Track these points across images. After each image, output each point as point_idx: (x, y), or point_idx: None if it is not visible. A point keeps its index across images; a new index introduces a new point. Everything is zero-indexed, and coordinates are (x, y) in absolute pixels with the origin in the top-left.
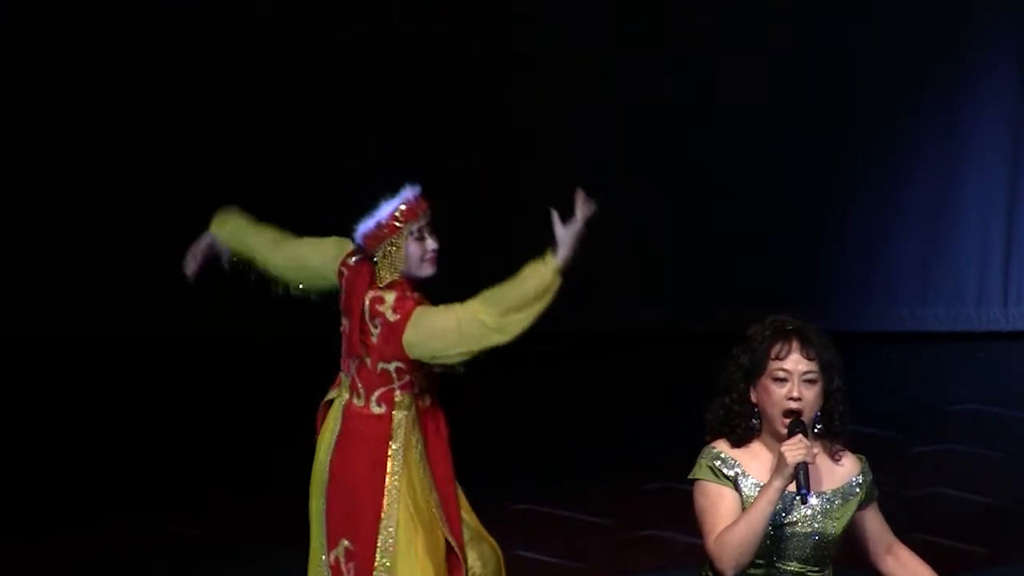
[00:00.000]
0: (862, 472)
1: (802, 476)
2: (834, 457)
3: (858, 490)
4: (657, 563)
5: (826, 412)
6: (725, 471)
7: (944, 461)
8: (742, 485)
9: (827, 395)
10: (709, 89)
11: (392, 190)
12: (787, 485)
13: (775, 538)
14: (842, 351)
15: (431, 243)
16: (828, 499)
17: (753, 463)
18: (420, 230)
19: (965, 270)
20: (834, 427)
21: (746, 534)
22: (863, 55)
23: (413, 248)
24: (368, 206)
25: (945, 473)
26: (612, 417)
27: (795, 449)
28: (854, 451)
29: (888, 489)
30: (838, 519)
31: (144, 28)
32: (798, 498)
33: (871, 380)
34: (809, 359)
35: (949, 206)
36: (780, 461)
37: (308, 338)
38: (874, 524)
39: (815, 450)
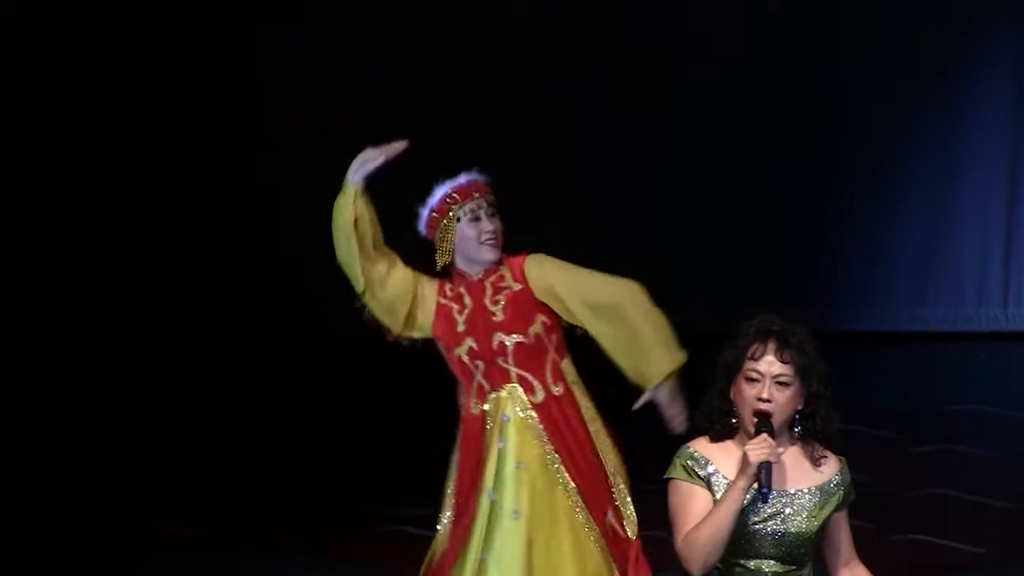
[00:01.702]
0: (840, 472)
1: (764, 475)
2: (815, 458)
3: (836, 489)
4: (657, 563)
5: (806, 415)
6: (698, 470)
7: (944, 461)
8: (715, 484)
9: (807, 399)
10: (709, 89)
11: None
12: (751, 484)
13: (750, 536)
14: (842, 351)
15: (488, 224)
16: (806, 497)
17: (728, 462)
18: (474, 210)
19: (965, 270)
20: (815, 430)
21: (711, 534)
22: (863, 55)
23: (467, 230)
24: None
25: (945, 473)
26: (611, 417)
27: (758, 448)
28: (837, 453)
29: (888, 489)
30: (814, 517)
31: (145, 24)
32: (759, 496)
33: (871, 380)
34: (783, 362)
35: (949, 206)
36: (744, 460)
37: (308, 338)
38: (840, 533)
39: (780, 450)
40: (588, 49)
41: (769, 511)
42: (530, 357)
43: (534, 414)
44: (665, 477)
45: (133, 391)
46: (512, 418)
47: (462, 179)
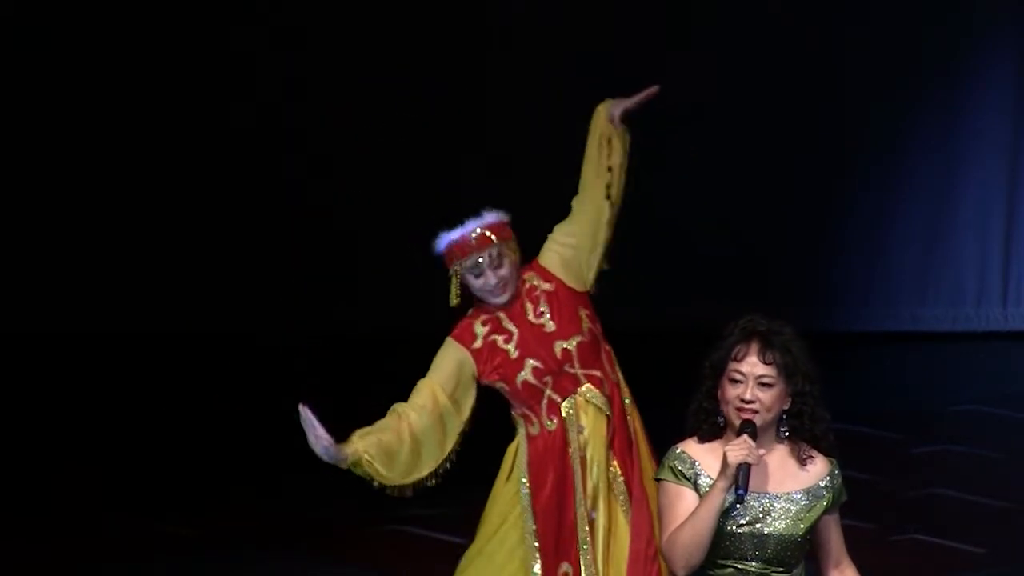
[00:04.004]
0: (830, 475)
1: (741, 477)
2: (802, 459)
3: (825, 492)
4: None
5: (792, 415)
6: (684, 471)
7: (944, 461)
8: (701, 485)
9: (792, 398)
10: (708, 88)
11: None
12: (731, 486)
13: (734, 538)
14: (842, 351)
15: (491, 278)
16: (792, 500)
17: (715, 462)
18: (473, 268)
19: (965, 270)
20: (803, 430)
21: (691, 535)
22: (863, 55)
23: (473, 283)
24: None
25: (945, 473)
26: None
27: (738, 450)
28: (828, 453)
29: (888, 489)
30: (802, 520)
31: (141, 24)
32: (735, 497)
33: (871, 380)
34: (766, 363)
35: (949, 206)
36: (723, 462)
37: (308, 339)
38: (831, 535)
39: (761, 451)
40: (584, 47)
41: (752, 513)
42: (591, 352)
43: (610, 405)
44: (655, 478)
45: (134, 391)
46: (587, 425)
47: (461, 232)
